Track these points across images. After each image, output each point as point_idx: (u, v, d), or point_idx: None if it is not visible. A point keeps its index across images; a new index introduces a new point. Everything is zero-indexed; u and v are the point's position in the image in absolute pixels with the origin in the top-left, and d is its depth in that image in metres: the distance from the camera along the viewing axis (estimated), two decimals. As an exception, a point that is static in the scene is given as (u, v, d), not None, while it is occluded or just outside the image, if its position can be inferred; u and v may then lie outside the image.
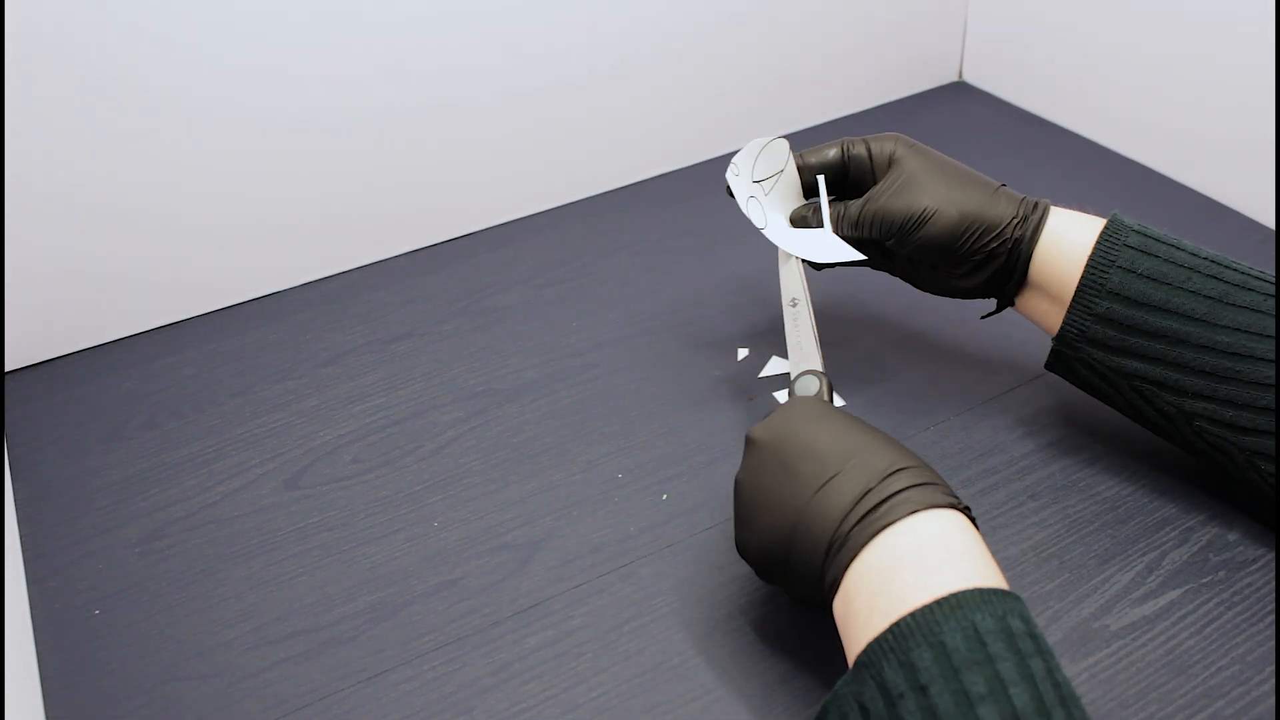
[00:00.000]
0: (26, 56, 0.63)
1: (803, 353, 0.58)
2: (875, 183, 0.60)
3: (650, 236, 0.83)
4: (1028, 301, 0.58)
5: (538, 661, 0.52)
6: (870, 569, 0.43)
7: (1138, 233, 0.54)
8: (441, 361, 0.71)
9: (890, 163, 0.60)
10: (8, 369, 0.72)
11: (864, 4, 0.92)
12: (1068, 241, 0.55)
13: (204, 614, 0.55)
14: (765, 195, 0.61)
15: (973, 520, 0.45)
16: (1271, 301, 0.51)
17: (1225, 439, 0.52)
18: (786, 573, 0.47)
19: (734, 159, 0.59)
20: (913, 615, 0.39)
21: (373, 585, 0.56)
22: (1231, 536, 0.55)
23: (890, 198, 0.58)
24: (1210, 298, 0.52)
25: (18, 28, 0.62)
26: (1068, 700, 0.37)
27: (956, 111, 0.98)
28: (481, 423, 0.66)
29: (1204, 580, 0.53)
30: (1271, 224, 0.78)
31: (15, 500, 0.63)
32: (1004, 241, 0.56)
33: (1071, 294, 0.54)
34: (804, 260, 0.60)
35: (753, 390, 0.67)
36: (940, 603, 0.39)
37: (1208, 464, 0.54)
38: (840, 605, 0.44)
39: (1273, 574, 0.53)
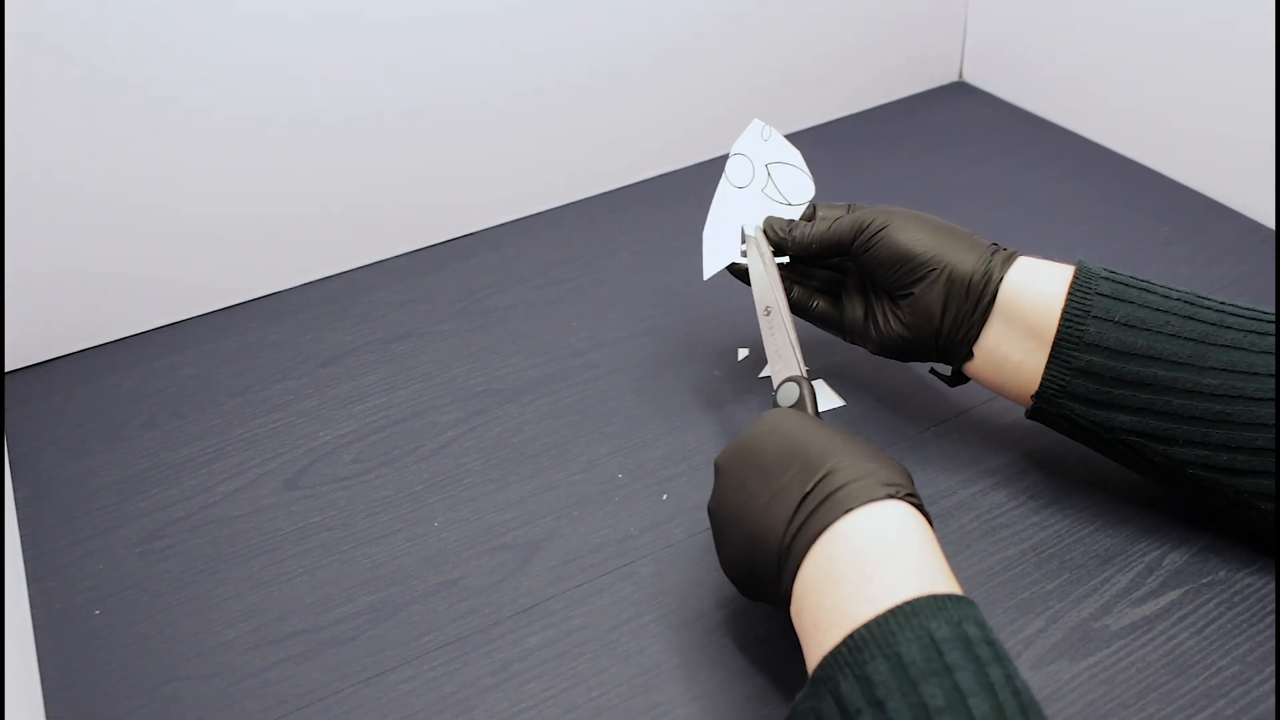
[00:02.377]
0: (27, 56, 0.63)
1: (781, 360, 0.57)
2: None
3: (650, 236, 0.83)
4: (994, 353, 0.55)
5: (538, 661, 0.52)
6: (813, 579, 0.43)
7: (1108, 279, 0.52)
8: (441, 361, 0.71)
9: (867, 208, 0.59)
10: (8, 369, 0.72)
11: (864, 4, 0.92)
12: (1038, 285, 0.53)
13: (204, 614, 0.55)
14: (754, 184, 0.61)
15: (917, 505, 0.44)
16: (1254, 337, 0.49)
17: (1220, 483, 0.50)
18: (757, 590, 0.47)
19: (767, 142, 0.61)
20: (867, 626, 0.39)
21: (373, 585, 0.56)
22: (1231, 536, 0.55)
23: (860, 211, 0.58)
24: (1191, 339, 0.50)
25: (18, 27, 0.62)
26: (1028, 708, 0.36)
27: (956, 111, 0.98)
28: (481, 423, 0.66)
29: (1204, 580, 0.53)
30: (1271, 224, 0.78)
31: (15, 500, 0.63)
32: (970, 266, 0.54)
33: (1045, 344, 0.52)
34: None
35: (753, 390, 0.67)
36: (894, 612, 0.39)
37: (1204, 504, 0.53)
38: (795, 617, 0.44)
39: (1273, 574, 0.53)
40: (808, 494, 0.44)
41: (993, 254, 0.55)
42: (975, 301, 0.54)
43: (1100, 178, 0.86)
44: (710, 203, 0.63)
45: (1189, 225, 0.79)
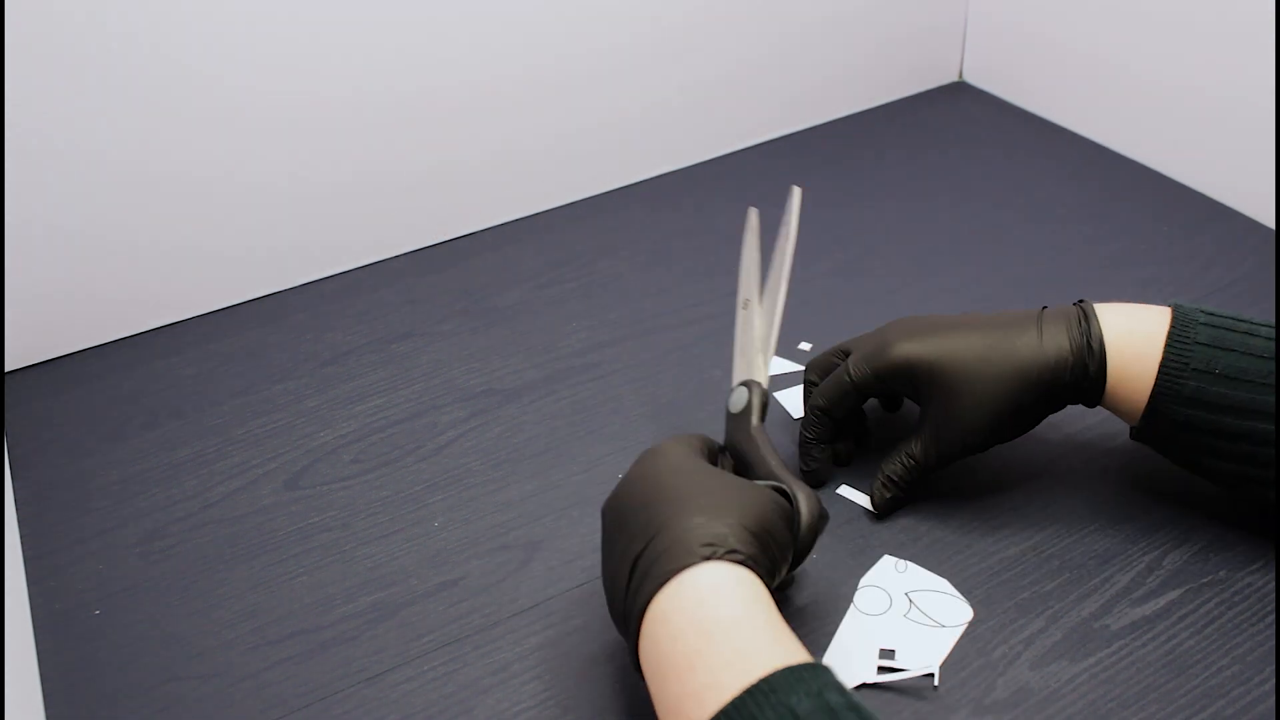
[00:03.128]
0: (27, 55, 0.63)
1: (745, 359, 0.56)
2: (903, 390, 0.56)
3: (650, 236, 0.83)
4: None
5: (538, 661, 0.52)
6: (647, 662, 0.42)
7: (1207, 325, 0.50)
8: (441, 361, 0.71)
9: (912, 373, 0.54)
10: (8, 369, 0.72)
11: (864, 4, 0.92)
12: (1135, 336, 0.51)
13: (204, 614, 0.55)
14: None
15: (742, 563, 0.42)
16: None
17: None
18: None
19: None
20: (724, 711, 0.37)
21: (373, 585, 0.56)
22: (1231, 536, 0.55)
23: (941, 422, 0.54)
24: None
25: (19, 26, 0.62)
26: None
27: (956, 111, 0.98)
28: (481, 423, 0.66)
29: (1204, 580, 0.53)
30: (1271, 224, 0.78)
31: (15, 500, 0.63)
32: (1069, 379, 0.52)
33: (1144, 392, 0.51)
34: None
35: (753, 390, 0.67)
36: (751, 692, 0.36)
37: None
38: (647, 685, 0.43)
39: (1273, 574, 0.53)
40: (638, 557, 0.43)
41: (1074, 327, 0.52)
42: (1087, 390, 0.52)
43: (1100, 178, 0.86)
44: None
45: (1189, 225, 0.79)
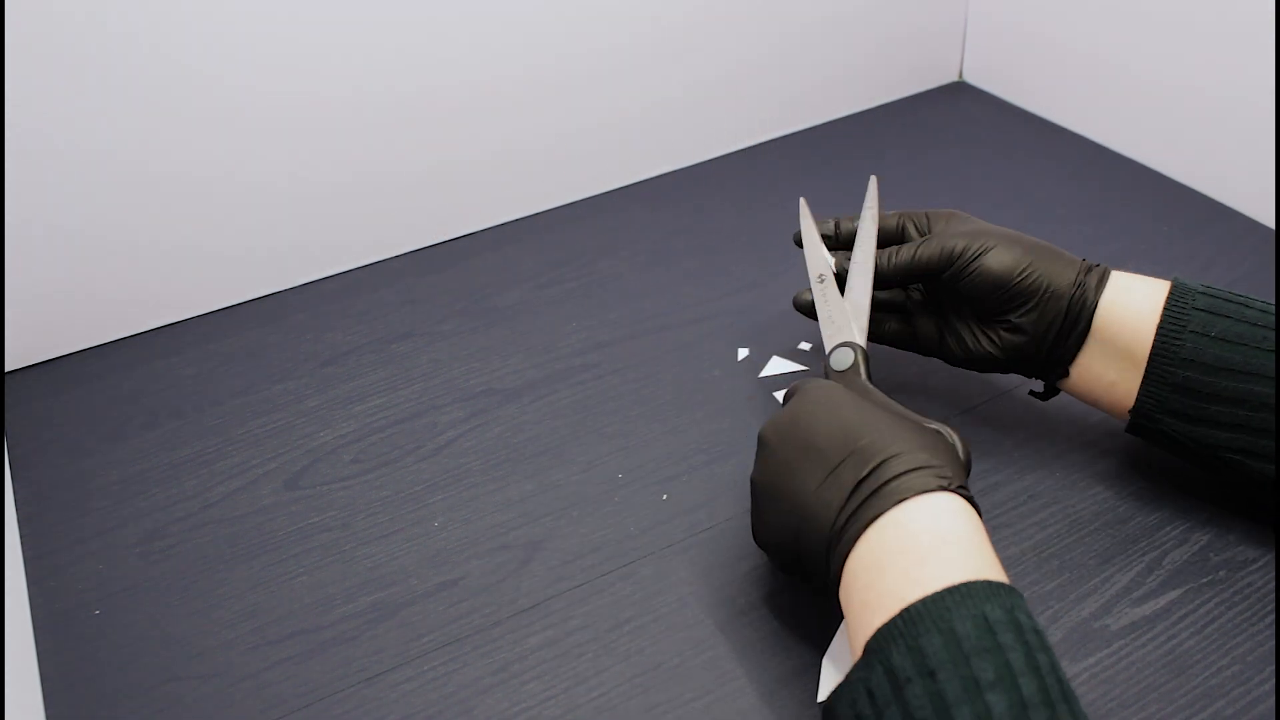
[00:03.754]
0: (27, 55, 0.63)
1: (835, 326, 0.57)
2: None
3: (650, 236, 0.83)
4: (1088, 370, 0.55)
5: (538, 661, 0.52)
6: (863, 562, 0.43)
7: (1204, 294, 0.52)
8: (441, 361, 0.71)
9: (947, 218, 0.59)
10: (8, 369, 0.72)
11: (864, 4, 0.92)
12: (1132, 303, 0.53)
13: (204, 614, 0.55)
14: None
15: (970, 500, 0.45)
16: None
17: None
18: (799, 567, 0.48)
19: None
20: (923, 602, 0.39)
21: (373, 585, 0.56)
22: (1231, 536, 0.55)
23: (948, 234, 0.57)
24: None
25: (19, 26, 0.62)
26: (1070, 697, 0.37)
27: (956, 111, 0.98)
28: (481, 423, 0.66)
29: (1204, 580, 0.53)
30: (1271, 224, 0.78)
31: (15, 500, 0.63)
32: (1065, 288, 0.54)
33: (1141, 361, 0.52)
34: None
35: (753, 390, 0.67)
36: (950, 591, 0.39)
37: None
38: (844, 598, 0.44)
39: (1273, 574, 0.53)
40: (861, 481, 0.44)
41: (1086, 272, 0.54)
42: (1072, 323, 0.54)
43: (1100, 178, 0.86)
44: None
45: (1189, 225, 0.79)
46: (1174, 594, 0.53)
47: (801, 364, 0.69)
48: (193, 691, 0.51)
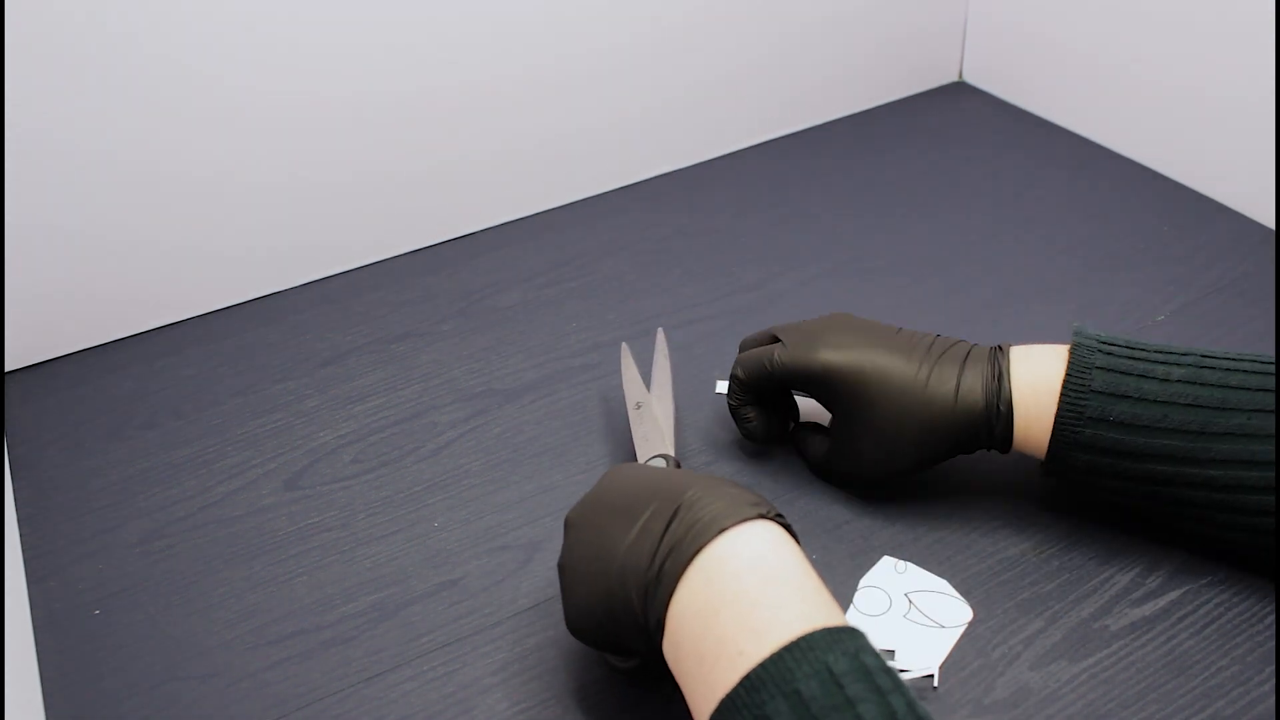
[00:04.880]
0: (27, 55, 0.63)
1: (649, 443, 0.59)
2: (820, 392, 0.57)
3: (650, 236, 0.83)
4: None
5: (538, 661, 0.52)
6: (689, 607, 0.41)
7: (1103, 369, 0.50)
8: (441, 361, 0.71)
9: (827, 380, 0.55)
10: (8, 369, 0.72)
11: (864, 4, 0.92)
12: (1036, 381, 0.52)
13: (204, 614, 0.55)
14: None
15: (786, 526, 0.44)
16: (1258, 418, 0.48)
17: (1239, 541, 0.51)
18: (615, 632, 0.45)
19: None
20: (763, 665, 0.37)
21: (373, 585, 0.56)
22: (1231, 536, 0.55)
23: (843, 443, 0.57)
24: (1192, 432, 0.48)
25: (19, 26, 0.62)
26: None
27: (956, 111, 0.98)
28: (481, 423, 0.66)
29: (1204, 580, 0.53)
30: (1271, 224, 0.78)
31: (15, 500, 0.63)
32: (979, 430, 0.53)
33: (1046, 429, 0.52)
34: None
35: (753, 390, 0.67)
36: (789, 648, 0.37)
37: None
38: (670, 649, 0.42)
39: (1273, 574, 0.53)
40: (671, 521, 0.43)
41: (991, 377, 0.53)
42: (994, 429, 0.53)
43: (1100, 178, 0.86)
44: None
45: (1189, 225, 0.79)
46: (1174, 594, 0.53)
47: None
48: (193, 691, 0.51)
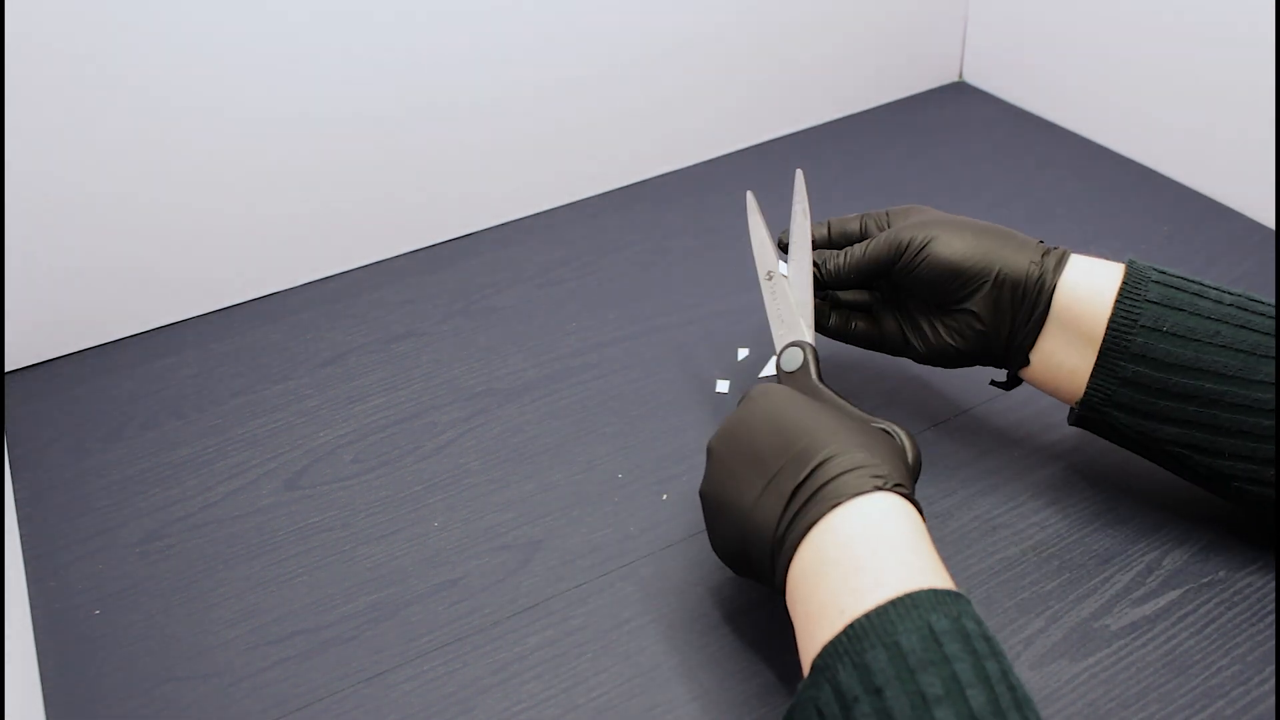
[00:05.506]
0: (27, 55, 0.63)
1: (785, 325, 0.57)
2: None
3: (650, 236, 0.83)
4: (1049, 357, 0.53)
5: (538, 661, 0.52)
6: (803, 571, 0.43)
7: (1159, 284, 0.51)
8: (441, 361, 0.71)
9: (905, 213, 0.59)
10: (8, 369, 0.72)
11: (864, 4, 0.92)
12: (1092, 286, 0.52)
13: (204, 614, 0.55)
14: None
15: (909, 498, 0.44)
16: None
17: (1266, 497, 0.50)
18: (751, 573, 0.48)
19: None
20: (867, 616, 0.39)
21: (373, 585, 0.56)
22: (1231, 537, 0.55)
23: (898, 228, 0.56)
24: (1242, 351, 0.48)
25: (18, 26, 0.62)
26: (1023, 704, 0.36)
27: (956, 111, 0.98)
28: (481, 423, 0.66)
29: (1204, 580, 0.53)
30: (1271, 224, 0.78)
31: (15, 500, 0.63)
32: (1020, 271, 0.53)
33: (1095, 349, 0.51)
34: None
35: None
36: (895, 603, 0.39)
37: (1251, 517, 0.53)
38: (790, 607, 0.44)
39: (1273, 574, 0.53)
40: (799, 486, 0.44)
41: (1044, 255, 0.53)
42: (1030, 308, 0.53)
43: (1100, 178, 0.86)
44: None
45: (1189, 225, 0.79)
46: (1174, 594, 0.53)
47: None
48: (193, 691, 0.51)
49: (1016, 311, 0.53)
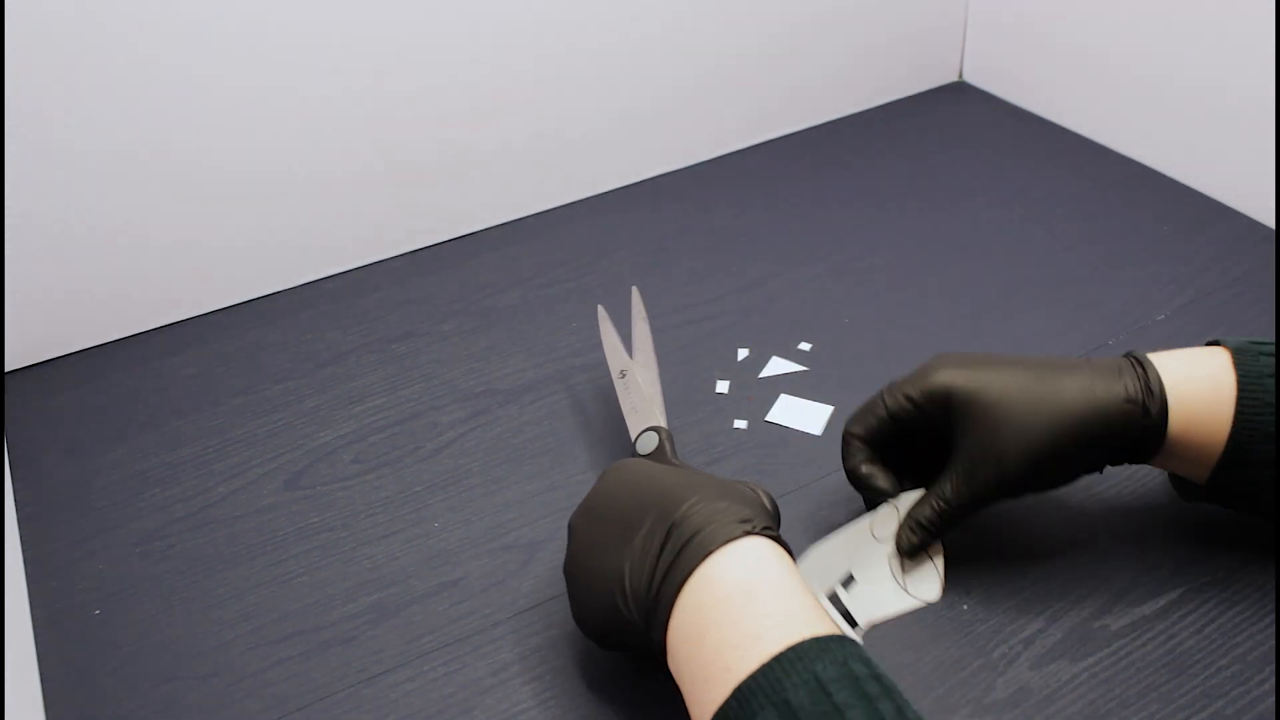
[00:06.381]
0: (27, 54, 0.63)
1: (638, 414, 0.58)
2: (942, 426, 0.51)
3: (650, 236, 0.83)
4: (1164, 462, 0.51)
5: (538, 661, 0.52)
6: (683, 632, 0.42)
7: (1268, 356, 0.48)
8: (441, 361, 0.71)
9: (950, 402, 0.50)
10: (8, 369, 0.72)
11: (864, 4, 0.92)
12: (1200, 395, 0.48)
13: (204, 614, 0.55)
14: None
15: (777, 539, 0.44)
16: None
17: None
18: (622, 643, 0.47)
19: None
20: (753, 677, 0.38)
21: (373, 585, 0.56)
22: (1232, 537, 0.55)
23: (977, 459, 0.49)
24: None
25: (18, 26, 0.62)
26: None
27: (956, 111, 0.98)
28: (482, 423, 0.66)
29: (1204, 580, 0.53)
30: (1271, 224, 0.78)
31: (15, 500, 0.63)
32: (1123, 425, 0.48)
33: (1219, 445, 0.48)
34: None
35: (753, 390, 0.67)
36: (779, 658, 0.38)
37: None
38: (673, 670, 0.43)
39: (1273, 574, 0.53)
40: (666, 538, 0.43)
41: (1136, 391, 0.48)
42: (1133, 452, 0.50)
43: (1100, 178, 0.86)
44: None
45: (1189, 225, 0.79)
46: (1174, 594, 0.53)
47: (801, 364, 0.69)
48: (193, 691, 0.51)
49: (1116, 450, 0.50)
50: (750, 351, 0.70)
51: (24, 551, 0.59)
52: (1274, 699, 0.48)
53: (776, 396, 0.66)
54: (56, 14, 0.63)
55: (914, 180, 0.88)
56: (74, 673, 0.53)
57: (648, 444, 0.56)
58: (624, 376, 0.60)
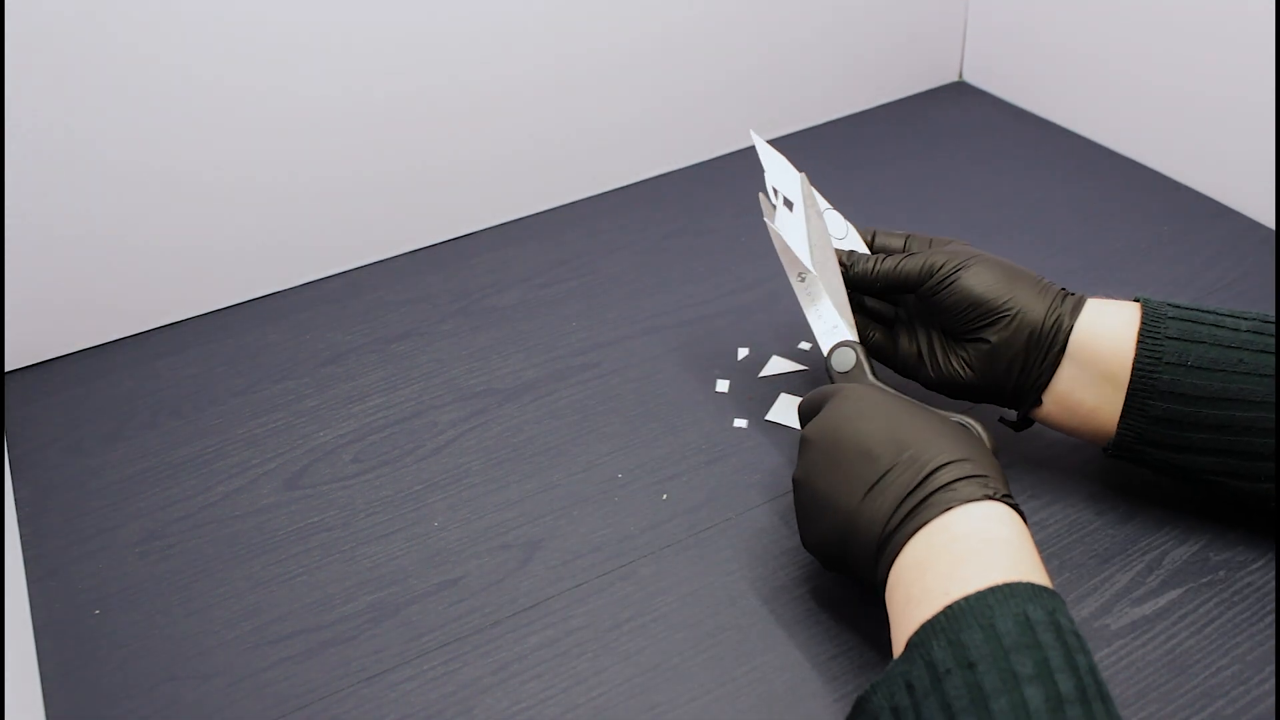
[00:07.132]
0: (28, 53, 0.63)
1: (826, 325, 0.57)
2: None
3: (650, 236, 0.83)
4: (1067, 397, 0.54)
5: (538, 661, 0.52)
6: (908, 563, 0.44)
7: (1176, 319, 0.51)
8: (441, 361, 0.71)
9: (945, 242, 0.59)
10: (8, 369, 0.72)
11: (864, 4, 0.92)
12: (1109, 327, 0.52)
13: (204, 614, 0.55)
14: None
15: (1016, 509, 0.45)
16: None
17: None
18: (846, 567, 0.49)
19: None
20: (966, 599, 0.40)
21: (373, 585, 0.56)
22: (1231, 536, 0.55)
23: (934, 251, 0.57)
24: (1267, 375, 0.49)
25: (18, 25, 0.62)
26: (1106, 697, 0.38)
27: (956, 111, 0.98)
28: (481, 423, 0.66)
29: (1204, 580, 0.53)
30: (1271, 224, 0.78)
31: (15, 500, 0.63)
32: (1039, 312, 0.53)
33: (1121, 386, 0.52)
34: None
35: (753, 390, 0.67)
36: (993, 590, 0.40)
37: None
38: (889, 598, 0.45)
39: (1273, 574, 0.53)
40: (911, 491, 0.45)
41: (1061, 299, 0.54)
42: (1045, 349, 0.53)
43: (1100, 178, 0.86)
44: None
45: (1189, 225, 0.79)
46: (1174, 594, 0.53)
47: (801, 364, 0.69)
48: (193, 691, 0.51)
49: (1031, 351, 0.54)
50: (750, 351, 0.70)
51: (24, 551, 0.59)
52: (1274, 699, 0.48)
53: (776, 396, 0.66)
54: (56, 14, 0.63)
55: (914, 180, 0.88)
56: (74, 673, 0.53)
57: (844, 361, 0.56)
58: (803, 280, 0.58)
